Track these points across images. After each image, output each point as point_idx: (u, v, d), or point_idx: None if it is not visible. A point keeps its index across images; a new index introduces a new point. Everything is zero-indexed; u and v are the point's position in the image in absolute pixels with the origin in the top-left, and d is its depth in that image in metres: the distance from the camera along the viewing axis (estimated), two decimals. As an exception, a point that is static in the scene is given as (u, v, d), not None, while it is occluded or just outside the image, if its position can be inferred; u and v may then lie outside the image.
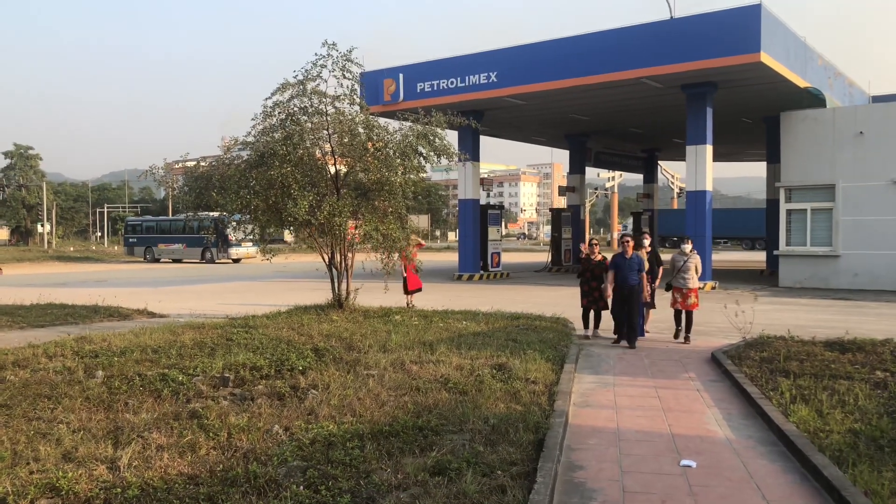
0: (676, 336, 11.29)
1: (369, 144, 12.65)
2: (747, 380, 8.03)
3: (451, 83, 22.78)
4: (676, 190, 69.98)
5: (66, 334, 10.68)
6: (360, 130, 12.63)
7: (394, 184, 12.51)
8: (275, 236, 14.40)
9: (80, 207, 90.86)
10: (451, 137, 21.83)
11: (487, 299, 17.16)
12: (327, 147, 12.81)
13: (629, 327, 10.99)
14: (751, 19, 17.68)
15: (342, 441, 5.47)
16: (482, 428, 5.91)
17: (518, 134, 31.68)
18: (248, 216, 13.20)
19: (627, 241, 11.20)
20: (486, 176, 31.60)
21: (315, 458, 5.11)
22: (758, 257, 37.26)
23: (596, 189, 69.32)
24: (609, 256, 11.63)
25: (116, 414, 6.31)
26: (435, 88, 23.11)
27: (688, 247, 11.46)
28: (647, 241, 12.24)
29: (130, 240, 46.81)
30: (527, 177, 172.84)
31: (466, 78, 22.48)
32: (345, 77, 12.39)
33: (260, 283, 25.31)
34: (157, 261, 43.96)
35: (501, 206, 31.25)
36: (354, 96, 12.81)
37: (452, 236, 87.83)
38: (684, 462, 5.63)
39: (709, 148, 20.81)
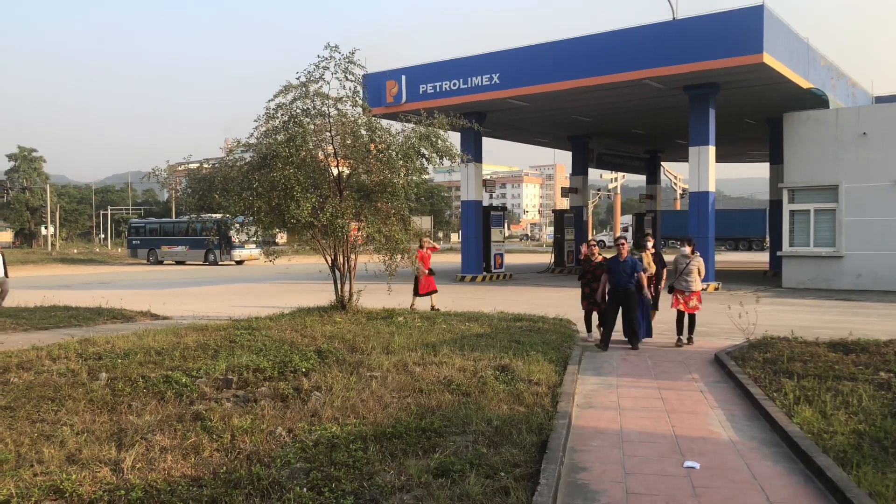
0: (678, 344, 11.02)
1: (372, 146, 12.66)
2: (751, 381, 8.02)
3: (454, 85, 22.80)
4: (679, 191, 69.91)
5: (70, 336, 10.71)
6: (363, 132, 12.64)
7: (396, 185, 12.52)
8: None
9: (83, 210, 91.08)
10: (454, 139, 21.85)
11: (490, 300, 17.16)
12: (330, 149, 12.83)
13: (629, 330, 10.87)
14: (753, 20, 17.67)
15: (345, 443, 5.47)
16: (485, 429, 5.91)
17: (520, 135, 31.68)
18: (251, 218, 13.22)
19: (623, 244, 11.01)
20: (488, 177, 31.63)
21: (318, 460, 5.11)
22: (758, 258, 37.20)
23: (599, 190, 69.25)
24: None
25: (120, 416, 6.32)
26: (437, 90, 23.14)
27: (687, 249, 11.28)
28: (649, 243, 12.09)
29: (134, 242, 46.89)
30: (529, 178, 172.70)
31: (469, 79, 22.50)
32: (347, 79, 12.41)
33: (263, 284, 25.36)
34: (161, 263, 44.03)
35: (504, 208, 31.24)
36: (357, 98, 12.83)
37: (455, 238, 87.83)
38: (688, 463, 5.62)
39: (711, 149, 20.79)
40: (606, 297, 11.02)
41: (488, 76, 22.15)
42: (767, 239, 56.46)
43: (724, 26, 18.16)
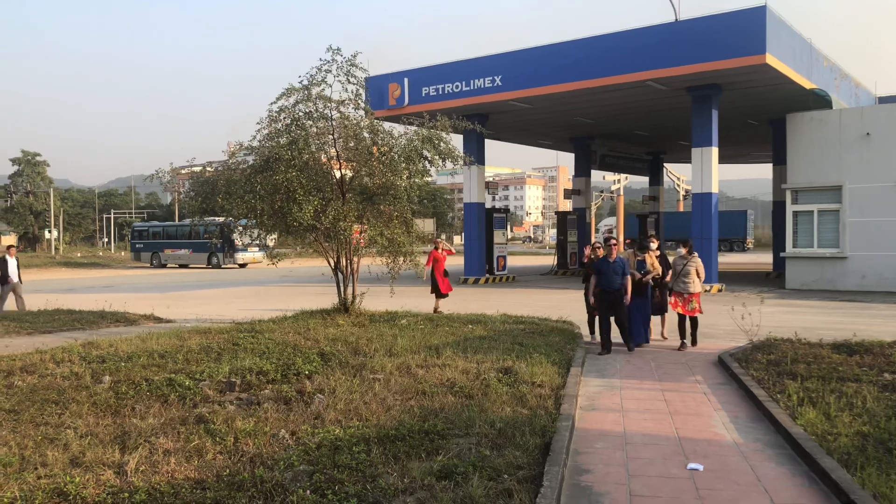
0: (681, 348, 10.90)
1: (374, 149, 12.67)
2: (754, 382, 8.00)
3: (456, 87, 22.83)
4: (682, 192, 69.82)
5: (74, 340, 10.74)
6: (366, 135, 12.65)
7: (399, 188, 12.52)
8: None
9: (86, 213, 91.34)
10: (456, 141, 21.83)
11: (493, 303, 17.16)
12: (332, 151, 12.84)
13: (623, 330, 10.69)
14: (756, 21, 17.66)
15: (348, 445, 5.47)
16: (488, 432, 5.91)
17: (523, 137, 31.70)
18: (254, 221, 13.23)
19: (614, 244, 10.81)
20: (491, 179, 31.67)
21: (321, 463, 5.11)
22: (761, 259, 37.10)
23: (601, 192, 69.20)
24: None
25: (123, 419, 6.33)
26: (440, 92, 23.17)
27: (683, 250, 11.11)
28: (653, 245, 11.72)
29: (137, 245, 46.98)
30: (532, 180, 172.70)
31: (471, 82, 22.53)
32: (349, 82, 12.41)
33: (266, 287, 25.39)
34: (164, 266, 44.10)
35: (507, 210, 31.25)
36: (359, 101, 12.84)
37: (458, 240, 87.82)
38: (691, 465, 5.61)
39: (714, 150, 20.77)
40: (592, 298, 10.87)
41: (491, 78, 22.17)
42: (749, 240, 56.65)
43: (727, 27, 18.15)
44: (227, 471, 4.96)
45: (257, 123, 12.69)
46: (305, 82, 12.34)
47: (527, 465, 5.17)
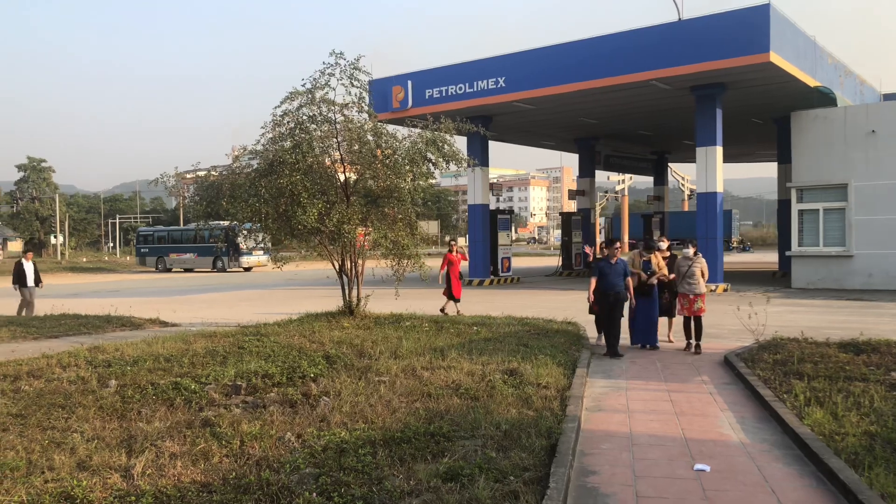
0: (687, 348, 10.84)
1: (378, 151, 12.68)
2: (761, 382, 7.96)
3: (460, 89, 22.83)
4: (687, 192, 69.73)
5: (80, 344, 10.77)
6: (369, 138, 12.66)
7: (403, 190, 12.52)
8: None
9: (92, 219, 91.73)
10: (460, 143, 21.81)
11: (498, 304, 17.14)
12: (336, 155, 12.86)
13: (611, 335, 10.42)
14: (760, 19, 17.61)
15: (354, 448, 5.47)
16: (494, 434, 5.90)
17: (527, 138, 31.68)
18: (259, 225, 13.26)
19: (618, 246, 10.71)
20: (495, 181, 31.65)
21: (327, 465, 5.11)
22: (767, 258, 36.96)
23: (606, 192, 69.16)
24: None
25: (130, 423, 6.34)
26: (443, 94, 23.17)
27: (690, 250, 11.04)
28: (664, 244, 11.52)
29: (142, 250, 47.14)
30: (536, 181, 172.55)
31: (475, 83, 22.53)
32: (353, 85, 12.43)
33: (271, 291, 25.41)
34: (169, 270, 44.24)
35: (511, 211, 31.22)
36: (363, 104, 12.85)
37: (462, 241, 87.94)
38: (698, 466, 5.59)
39: (719, 149, 20.72)
40: (592, 299, 10.81)
41: (494, 80, 22.17)
42: (734, 239, 56.39)
43: (731, 26, 18.11)
44: (234, 474, 4.97)
45: (261, 127, 12.73)
46: (309, 86, 12.37)
47: (533, 466, 5.16)
